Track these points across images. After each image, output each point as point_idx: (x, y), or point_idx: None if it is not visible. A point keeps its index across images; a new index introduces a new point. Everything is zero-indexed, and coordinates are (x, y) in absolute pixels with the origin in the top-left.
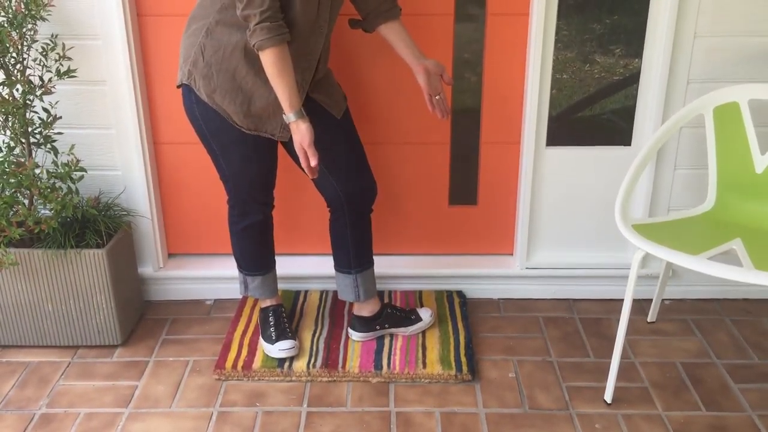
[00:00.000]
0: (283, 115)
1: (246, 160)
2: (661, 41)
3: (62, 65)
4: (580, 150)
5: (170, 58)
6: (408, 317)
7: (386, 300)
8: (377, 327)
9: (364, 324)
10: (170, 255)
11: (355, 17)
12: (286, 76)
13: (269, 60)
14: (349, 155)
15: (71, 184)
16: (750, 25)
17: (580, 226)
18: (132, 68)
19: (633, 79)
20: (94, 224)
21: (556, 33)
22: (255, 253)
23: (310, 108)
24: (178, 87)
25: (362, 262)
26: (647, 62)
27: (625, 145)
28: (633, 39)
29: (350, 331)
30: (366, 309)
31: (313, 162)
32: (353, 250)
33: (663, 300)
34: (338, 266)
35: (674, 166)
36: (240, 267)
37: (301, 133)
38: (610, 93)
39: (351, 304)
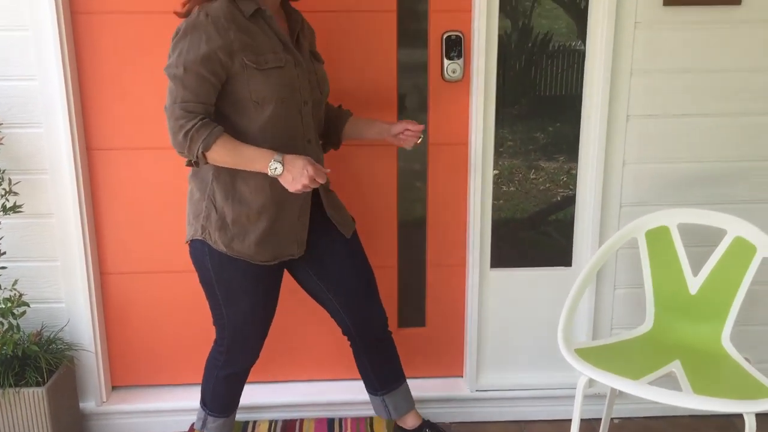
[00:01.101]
0: (269, 173)
1: (253, 307)
2: (593, 168)
3: (8, 200)
4: (524, 271)
5: (119, 190)
6: None
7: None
8: None
9: None
10: (114, 387)
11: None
12: (242, 148)
13: (220, 150)
14: (357, 283)
15: (12, 320)
16: (672, 152)
17: (528, 347)
18: (80, 201)
19: (570, 201)
20: (35, 361)
21: (502, 144)
22: (228, 397)
23: (321, 228)
24: (187, 242)
25: (387, 383)
26: (582, 187)
27: (566, 265)
28: (574, 147)
29: None
30: (407, 422)
31: (322, 180)
32: (374, 375)
33: (612, 419)
34: (366, 387)
35: (614, 286)
36: (204, 405)
37: (296, 166)
38: (550, 213)
39: None
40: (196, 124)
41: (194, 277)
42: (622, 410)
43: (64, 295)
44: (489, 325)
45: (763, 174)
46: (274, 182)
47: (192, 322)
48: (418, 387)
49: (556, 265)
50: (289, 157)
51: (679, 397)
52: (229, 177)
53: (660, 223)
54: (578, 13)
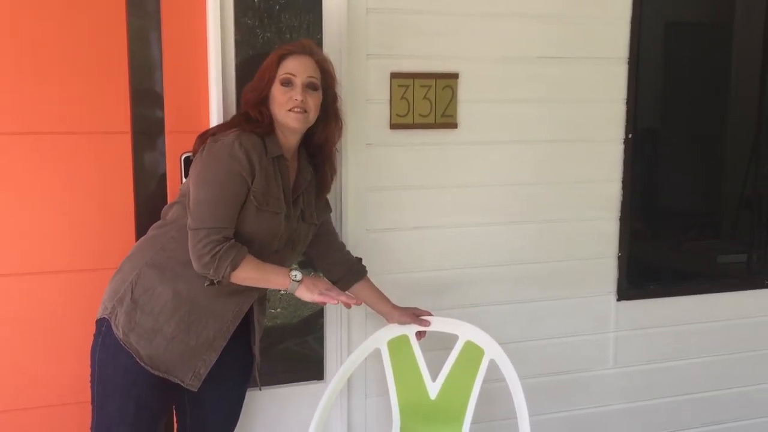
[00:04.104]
0: (289, 281)
1: (121, 410)
2: None
3: None
4: (283, 389)
5: None
6: None
7: None
8: None
9: None
10: None
11: None
12: (266, 269)
13: (245, 272)
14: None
15: None
16: (409, 263)
17: None
18: None
19: (319, 315)
20: None
21: None
22: None
23: (225, 368)
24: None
25: None
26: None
27: (318, 379)
28: None
29: None
30: None
31: (342, 298)
32: None
33: None
34: None
35: (365, 395)
36: None
37: (310, 286)
38: (302, 327)
39: None
40: (224, 246)
41: None
42: None
43: None
44: None
45: (490, 279)
46: (198, 299)
47: None
48: None
49: (308, 380)
50: (303, 286)
51: None
52: (159, 270)
53: (400, 332)
54: None
